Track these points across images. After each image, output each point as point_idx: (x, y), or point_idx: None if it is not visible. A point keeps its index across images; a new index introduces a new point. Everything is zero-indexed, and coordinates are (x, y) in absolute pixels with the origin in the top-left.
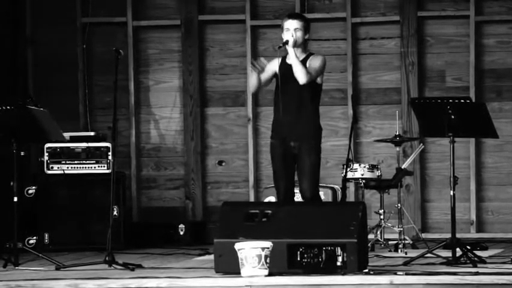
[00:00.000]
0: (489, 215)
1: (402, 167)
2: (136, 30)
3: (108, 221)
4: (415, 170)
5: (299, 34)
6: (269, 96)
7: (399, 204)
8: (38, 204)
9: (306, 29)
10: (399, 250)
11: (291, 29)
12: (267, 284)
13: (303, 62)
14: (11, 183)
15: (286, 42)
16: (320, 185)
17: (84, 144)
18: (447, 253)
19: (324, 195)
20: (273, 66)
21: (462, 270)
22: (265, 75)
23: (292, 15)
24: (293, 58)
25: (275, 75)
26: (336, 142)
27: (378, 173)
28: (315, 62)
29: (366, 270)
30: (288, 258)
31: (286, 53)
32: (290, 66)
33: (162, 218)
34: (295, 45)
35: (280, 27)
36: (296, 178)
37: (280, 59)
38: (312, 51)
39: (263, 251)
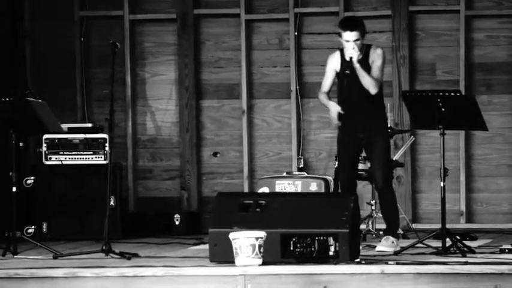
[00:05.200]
0: (478, 205)
1: (393, 159)
2: (132, 24)
3: (105, 211)
4: (406, 161)
5: (359, 43)
6: (263, 89)
7: None
8: (36, 194)
9: (364, 35)
10: None
11: (351, 41)
12: (261, 273)
13: (365, 60)
14: (10, 174)
15: (351, 60)
16: (313, 176)
17: (81, 136)
18: (437, 243)
19: (317, 186)
20: (334, 65)
21: (452, 260)
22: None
23: (349, 26)
24: (360, 72)
25: (337, 73)
26: (328, 134)
27: (369, 164)
28: (377, 63)
29: (358, 260)
30: (282, 247)
31: (341, 45)
32: (350, 63)
33: (158, 208)
34: (359, 58)
35: (275, 21)
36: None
37: (339, 55)
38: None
39: (257, 240)
